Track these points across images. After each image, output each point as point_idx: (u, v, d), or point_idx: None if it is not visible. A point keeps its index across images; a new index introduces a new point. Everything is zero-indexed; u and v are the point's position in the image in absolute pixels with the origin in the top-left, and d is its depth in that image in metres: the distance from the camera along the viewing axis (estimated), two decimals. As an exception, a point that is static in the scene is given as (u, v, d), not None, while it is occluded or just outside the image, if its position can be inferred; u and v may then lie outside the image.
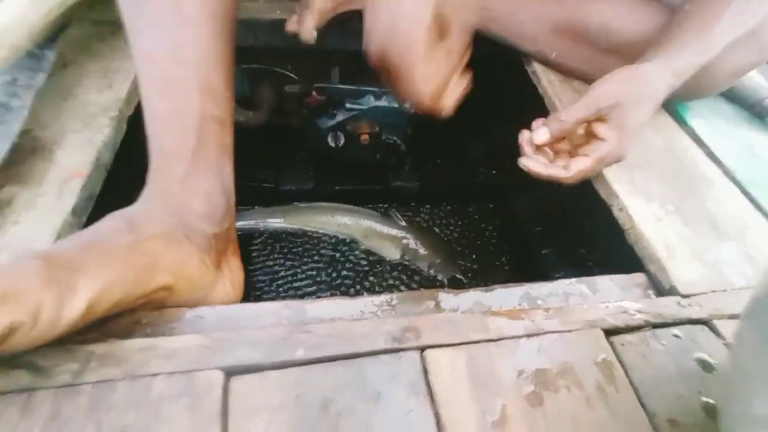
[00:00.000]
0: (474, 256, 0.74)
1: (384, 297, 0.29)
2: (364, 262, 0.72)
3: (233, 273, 0.33)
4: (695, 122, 0.46)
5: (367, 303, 0.29)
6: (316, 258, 0.72)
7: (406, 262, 0.74)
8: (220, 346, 0.23)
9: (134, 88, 0.37)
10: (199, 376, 0.22)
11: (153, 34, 0.26)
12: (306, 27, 0.48)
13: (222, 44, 0.28)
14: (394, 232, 0.75)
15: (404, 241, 0.76)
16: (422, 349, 0.25)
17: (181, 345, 0.23)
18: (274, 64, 0.58)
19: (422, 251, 0.73)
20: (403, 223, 0.76)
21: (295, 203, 0.76)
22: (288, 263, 0.69)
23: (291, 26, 0.50)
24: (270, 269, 0.68)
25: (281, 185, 0.77)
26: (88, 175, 0.30)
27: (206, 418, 0.21)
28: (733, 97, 0.47)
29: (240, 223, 0.71)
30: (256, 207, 0.72)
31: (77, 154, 0.31)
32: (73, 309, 0.20)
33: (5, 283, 0.18)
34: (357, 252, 0.75)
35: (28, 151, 0.29)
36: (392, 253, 0.75)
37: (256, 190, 0.74)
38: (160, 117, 0.26)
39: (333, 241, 0.75)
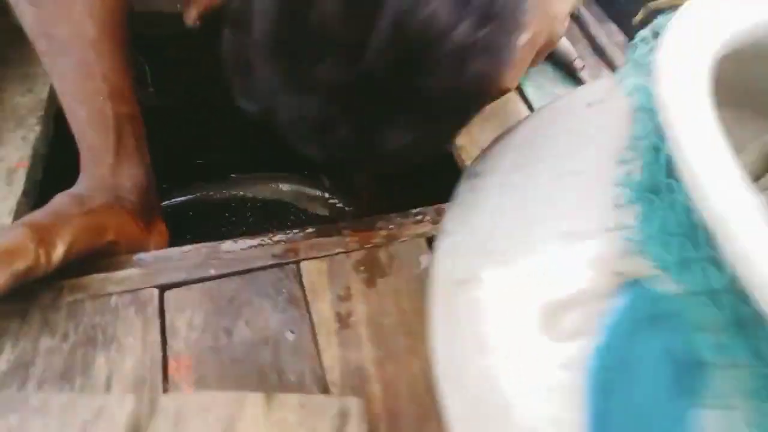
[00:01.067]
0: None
1: (279, 234, 0.41)
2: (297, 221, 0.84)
3: (160, 233, 0.43)
4: (526, 81, 0.60)
5: (265, 238, 0.40)
6: (254, 220, 0.82)
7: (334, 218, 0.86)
8: (156, 272, 0.35)
9: (54, 91, 0.44)
10: (142, 293, 0.33)
11: (64, 57, 0.34)
12: (189, 14, 0.54)
13: (121, 53, 0.37)
14: (320, 193, 0.87)
15: (330, 201, 0.88)
16: (298, 262, 0.38)
17: (127, 275, 0.34)
18: (185, 51, 0.65)
19: (347, 209, 0.86)
20: (328, 185, 0.88)
21: (232, 175, 0.85)
22: (229, 228, 0.79)
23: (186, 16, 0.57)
24: (212, 233, 0.78)
25: (214, 160, 0.85)
26: (30, 165, 0.39)
27: (150, 316, 0.33)
28: (552, 59, 0.61)
29: (183, 198, 0.79)
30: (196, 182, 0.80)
31: (17, 150, 0.39)
32: (56, 257, 0.30)
33: (12, 244, 0.28)
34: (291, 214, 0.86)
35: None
36: (321, 212, 0.87)
37: (191, 166, 0.82)
38: (82, 122, 0.35)
39: (268, 204, 0.85)
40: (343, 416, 0.27)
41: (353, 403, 0.28)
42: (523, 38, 0.29)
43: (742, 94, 0.32)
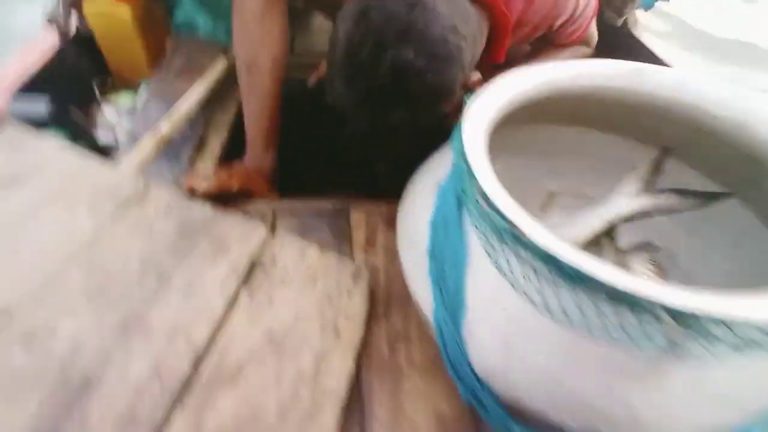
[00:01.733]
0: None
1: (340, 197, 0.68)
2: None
3: (275, 192, 0.74)
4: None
5: (332, 198, 0.67)
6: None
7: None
8: (272, 206, 0.64)
9: (238, 111, 0.80)
10: (265, 212, 0.62)
11: (253, 98, 0.67)
12: (312, 79, 0.89)
13: (279, 97, 0.70)
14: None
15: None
16: (348, 210, 0.64)
17: (259, 206, 0.64)
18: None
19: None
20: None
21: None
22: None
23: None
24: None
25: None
26: (221, 149, 0.73)
27: (268, 222, 0.61)
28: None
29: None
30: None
31: (216, 142, 0.74)
32: (234, 187, 0.62)
33: (222, 174, 0.62)
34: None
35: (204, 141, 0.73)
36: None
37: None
38: (252, 130, 0.68)
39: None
40: (357, 275, 0.51)
41: (362, 271, 0.51)
42: (475, 75, 0.53)
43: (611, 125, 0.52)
